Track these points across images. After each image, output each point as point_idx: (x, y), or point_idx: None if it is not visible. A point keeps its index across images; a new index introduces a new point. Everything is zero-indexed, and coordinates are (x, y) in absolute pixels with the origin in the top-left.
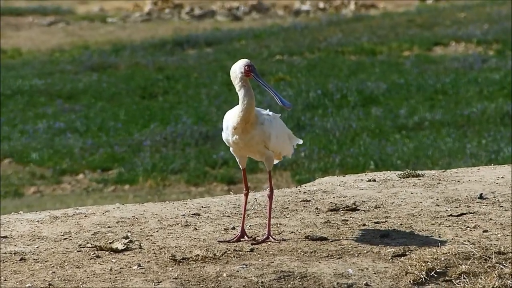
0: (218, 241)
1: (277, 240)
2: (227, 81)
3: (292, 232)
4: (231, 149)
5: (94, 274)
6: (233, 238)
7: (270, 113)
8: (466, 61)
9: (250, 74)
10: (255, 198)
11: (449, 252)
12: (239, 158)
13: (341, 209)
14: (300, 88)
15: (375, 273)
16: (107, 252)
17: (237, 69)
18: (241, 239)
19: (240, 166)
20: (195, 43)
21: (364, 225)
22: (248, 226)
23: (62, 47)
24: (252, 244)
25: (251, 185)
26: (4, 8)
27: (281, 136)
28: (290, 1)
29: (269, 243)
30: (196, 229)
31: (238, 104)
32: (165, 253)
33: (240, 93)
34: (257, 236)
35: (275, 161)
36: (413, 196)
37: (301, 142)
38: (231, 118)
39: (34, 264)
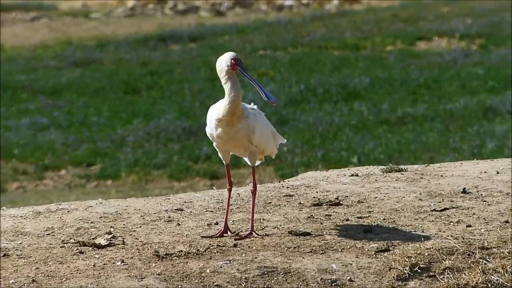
0: (202, 236)
1: (260, 235)
2: (210, 76)
3: (275, 227)
4: (214, 144)
5: (77, 270)
6: (216, 234)
7: (255, 107)
8: (449, 55)
9: (236, 68)
10: (238, 193)
11: (432, 247)
12: (223, 153)
13: (324, 204)
14: (283, 83)
15: (358, 269)
16: (90, 248)
17: (223, 62)
18: (224, 235)
19: (224, 162)
20: (178, 39)
21: (347, 220)
22: (231, 221)
23: (45, 43)
24: (235, 239)
25: (234, 180)
26: None
27: (265, 131)
28: None
29: (252, 238)
30: (179, 225)
31: (222, 98)
32: (148, 249)
33: (226, 86)
34: (240, 231)
35: (257, 162)
36: (396, 191)
37: (284, 141)
38: (216, 111)
39: (17, 260)
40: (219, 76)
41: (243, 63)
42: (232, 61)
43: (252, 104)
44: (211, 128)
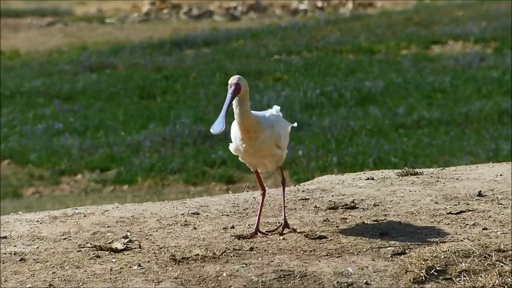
0: (232, 235)
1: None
2: (225, 80)
3: (291, 231)
4: (239, 157)
5: (94, 274)
6: (248, 234)
7: (274, 111)
8: (464, 59)
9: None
10: (254, 197)
11: (448, 250)
12: (248, 163)
13: (340, 208)
14: (298, 88)
15: (374, 272)
16: (106, 252)
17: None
18: (255, 236)
19: (252, 169)
20: (193, 43)
21: (363, 223)
22: (247, 224)
23: (60, 48)
24: (279, 233)
25: (249, 184)
26: (2, 9)
27: (285, 132)
28: (288, 1)
29: (268, 242)
30: (196, 229)
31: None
32: (164, 253)
33: (235, 108)
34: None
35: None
36: (412, 194)
37: (295, 125)
38: (235, 130)
39: (34, 265)
40: None
41: (233, 87)
42: (228, 85)
43: (276, 107)
44: (237, 144)
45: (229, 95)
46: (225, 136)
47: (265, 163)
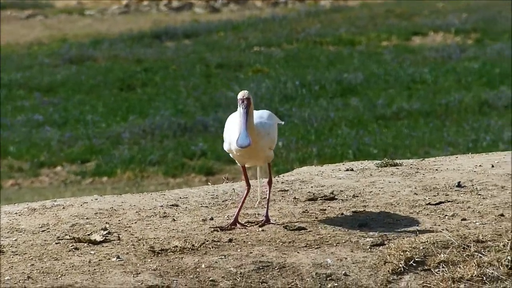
0: (210, 227)
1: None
2: (205, 72)
3: (270, 222)
4: (231, 154)
5: (73, 266)
6: (227, 226)
7: (265, 112)
8: (444, 50)
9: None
10: (233, 189)
11: (427, 241)
12: (238, 161)
13: (319, 199)
14: (278, 79)
15: (353, 263)
16: (85, 244)
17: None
18: (233, 227)
19: (239, 164)
20: (173, 35)
21: (342, 214)
22: (226, 216)
23: (40, 40)
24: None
25: (229, 176)
26: None
27: (276, 133)
28: None
29: (247, 233)
30: (174, 220)
31: (217, 95)
32: (143, 245)
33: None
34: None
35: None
36: (391, 185)
37: (283, 123)
38: (233, 137)
39: (12, 257)
40: None
41: (246, 103)
42: (239, 100)
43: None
44: (231, 147)
45: (243, 110)
46: (205, 128)
47: (258, 161)
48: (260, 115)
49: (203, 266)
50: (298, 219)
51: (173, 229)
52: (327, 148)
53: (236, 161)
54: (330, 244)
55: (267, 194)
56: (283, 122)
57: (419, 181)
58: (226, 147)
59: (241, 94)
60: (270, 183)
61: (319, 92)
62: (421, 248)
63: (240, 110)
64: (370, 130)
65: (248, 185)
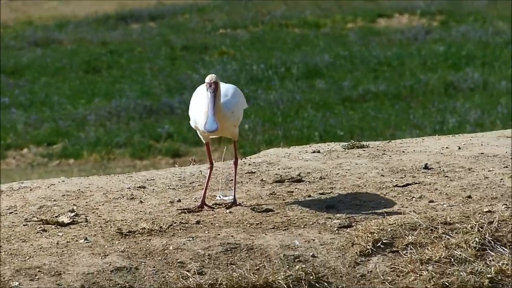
0: (177, 209)
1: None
2: (171, 55)
3: (237, 204)
4: (198, 132)
5: (40, 248)
6: (194, 208)
7: (230, 89)
8: (410, 32)
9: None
10: (200, 171)
11: (395, 223)
12: (203, 137)
13: (286, 181)
14: (243, 62)
15: (321, 245)
16: (53, 226)
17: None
18: (201, 209)
19: (204, 141)
20: (138, 18)
21: (309, 196)
22: (193, 198)
23: (6, 23)
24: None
25: (196, 159)
26: None
27: (241, 107)
28: None
29: (215, 215)
30: (142, 202)
31: (183, 75)
32: (111, 226)
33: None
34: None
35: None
36: (358, 167)
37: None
38: (200, 122)
39: None
40: None
41: (214, 87)
42: (206, 84)
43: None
44: (197, 125)
45: (211, 94)
46: (171, 111)
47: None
48: (225, 92)
49: (171, 248)
50: (266, 201)
51: (141, 211)
52: (293, 130)
53: (201, 138)
54: (297, 226)
55: (233, 176)
56: (246, 105)
57: (386, 163)
58: (192, 124)
59: (209, 78)
60: (236, 163)
61: (285, 74)
62: (388, 230)
63: (208, 94)
64: (336, 112)
65: (211, 163)
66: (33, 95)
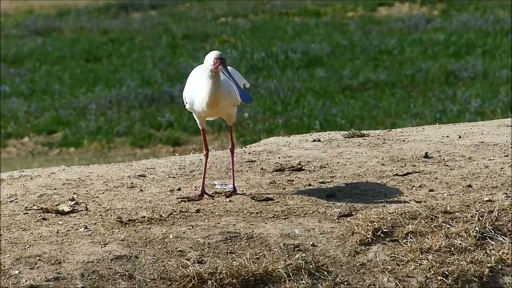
0: (177, 198)
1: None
2: (171, 44)
3: (238, 193)
4: (193, 114)
5: (41, 237)
6: (194, 196)
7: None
8: (410, 21)
9: (218, 67)
10: (200, 160)
11: (395, 212)
12: (200, 120)
13: (286, 170)
14: (244, 50)
15: (321, 234)
16: (53, 214)
17: (208, 61)
18: (201, 198)
19: (200, 126)
20: (139, 6)
21: (309, 185)
22: (193, 187)
23: (7, 12)
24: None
25: (195, 147)
26: None
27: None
28: None
29: (214, 204)
30: (142, 191)
31: (182, 62)
32: (111, 215)
33: (208, 83)
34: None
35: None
36: (358, 156)
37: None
38: (197, 100)
39: None
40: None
41: (226, 61)
42: (215, 60)
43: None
44: (193, 106)
45: (224, 71)
46: (171, 99)
47: (220, 116)
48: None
49: (171, 236)
50: (266, 190)
51: (141, 200)
52: (294, 119)
53: (197, 121)
54: (297, 214)
55: (231, 164)
56: (248, 84)
57: (386, 152)
58: (187, 106)
59: (215, 54)
60: (232, 150)
61: (285, 63)
62: (389, 218)
63: (223, 71)
64: (336, 101)
65: (207, 149)
66: (34, 84)
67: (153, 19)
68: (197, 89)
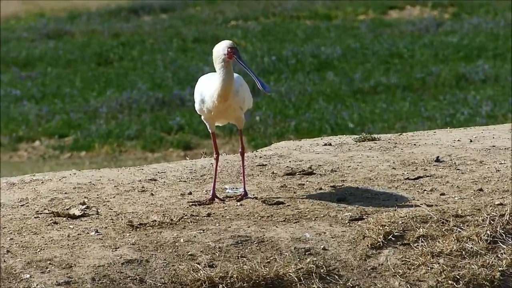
0: (188, 202)
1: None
2: (182, 47)
3: (248, 197)
4: (202, 117)
5: (51, 241)
6: (205, 200)
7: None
8: (421, 24)
9: (232, 56)
10: (211, 163)
11: (406, 216)
12: (210, 123)
13: (297, 173)
14: (255, 54)
15: (332, 237)
16: (64, 218)
17: (220, 49)
18: (212, 202)
19: (210, 130)
20: (150, 10)
21: (320, 189)
22: (204, 191)
23: (17, 14)
24: (237, 200)
25: (206, 151)
26: None
27: (248, 95)
28: None
29: (225, 207)
30: (153, 195)
31: (192, 67)
32: (122, 219)
33: (220, 74)
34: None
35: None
36: (369, 160)
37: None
38: (208, 93)
39: None
40: (214, 62)
41: (239, 51)
42: (229, 49)
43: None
44: (203, 106)
45: (241, 62)
46: (182, 103)
47: (229, 120)
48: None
49: (181, 240)
50: (277, 193)
51: (152, 204)
52: (304, 123)
53: (207, 125)
54: (308, 218)
55: (242, 168)
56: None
57: (397, 155)
58: (197, 106)
59: (227, 44)
60: (242, 153)
61: (296, 66)
62: (400, 222)
63: (238, 61)
64: (347, 105)
65: (217, 152)
66: (45, 87)
67: (164, 23)
68: (207, 86)
